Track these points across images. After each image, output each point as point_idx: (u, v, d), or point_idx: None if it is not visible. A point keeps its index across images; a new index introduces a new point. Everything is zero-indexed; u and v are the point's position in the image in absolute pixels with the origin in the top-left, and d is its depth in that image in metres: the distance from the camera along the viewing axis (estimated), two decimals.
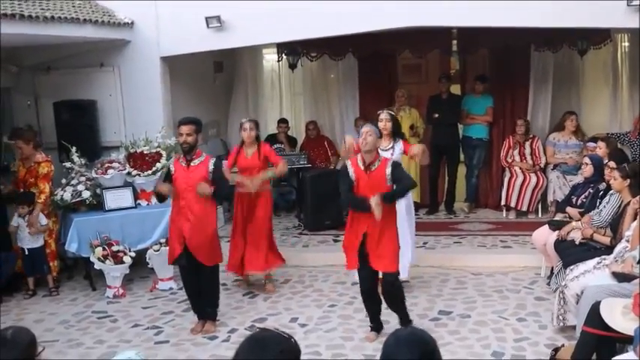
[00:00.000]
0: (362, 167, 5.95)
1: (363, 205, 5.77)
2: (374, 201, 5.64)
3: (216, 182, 6.44)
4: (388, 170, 5.91)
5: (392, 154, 6.96)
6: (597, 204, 7.00)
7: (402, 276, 7.20)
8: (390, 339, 2.77)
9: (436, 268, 8.08)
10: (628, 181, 6.44)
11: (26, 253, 7.75)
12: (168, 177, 6.57)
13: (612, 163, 7.02)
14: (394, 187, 5.95)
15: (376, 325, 6.33)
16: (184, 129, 6.39)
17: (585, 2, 7.47)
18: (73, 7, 8.00)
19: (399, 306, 6.26)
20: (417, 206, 8.62)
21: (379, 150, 6.39)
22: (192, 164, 6.43)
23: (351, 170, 6.00)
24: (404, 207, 7.06)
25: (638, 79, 10.08)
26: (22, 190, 7.95)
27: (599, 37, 9.47)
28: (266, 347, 2.60)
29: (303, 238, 9.43)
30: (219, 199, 6.66)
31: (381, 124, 6.82)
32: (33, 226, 7.68)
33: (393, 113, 7.36)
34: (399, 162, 6.26)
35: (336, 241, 9.11)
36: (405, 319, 6.27)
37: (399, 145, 7.05)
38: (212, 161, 6.52)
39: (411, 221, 7.37)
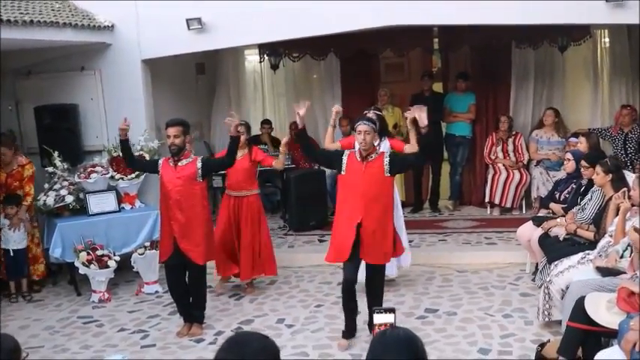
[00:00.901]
0: (358, 158, 5.89)
1: None
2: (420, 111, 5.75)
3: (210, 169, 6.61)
4: (386, 161, 5.85)
5: None
6: (579, 199, 7.04)
7: (391, 274, 7.23)
8: (377, 338, 2.77)
9: (421, 266, 8.10)
10: (610, 175, 6.47)
11: (11, 254, 7.75)
12: (151, 166, 6.66)
13: (584, 162, 7.06)
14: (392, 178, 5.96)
15: (350, 329, 6.19)
16: (172, 131, 6.37)
17: None
18: (52, 10, 7.93)
19: (378, 296, 6.17)
20: (402, 205, 8.59)
21: None
22: (179, 164, 6.42)
23: (345, 158, 5.94)
24: None
25: (618, 75, 10.16)
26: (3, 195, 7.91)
27: (579, 33, 9.50)
28: (245, 347, 2.61)
29: (288, 239, 9.43)
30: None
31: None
32: (17, 226, 7.72)
33: (379, 113, 7.23)
34: (395, 152, 6.15)
35: (321, 241, 9.12)
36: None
37: (386, 144, 7.00)
38: (200, 159, 6.50)
39: (400, 221, 7.33)
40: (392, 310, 3.37)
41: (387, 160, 5.87)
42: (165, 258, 6.53)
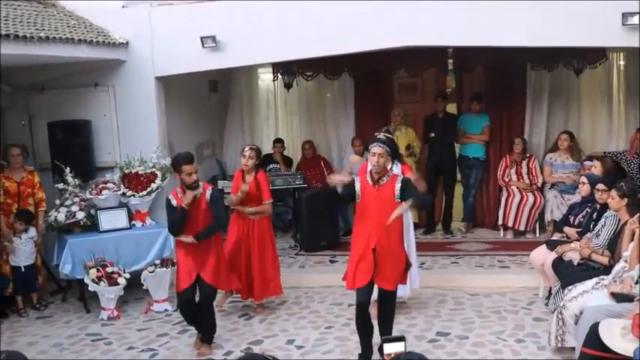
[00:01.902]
0: (370, 182, 5.87)
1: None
2: (401, 208, 5.69)
3: (212, 211, 6.45)
4: (397, 185, 5.81)
5: None
6: (594, 224, 6.95)
7: (404, 295, 7.17)
8: None
9: (433, 289, 8.02)
10: (625, 200, 6.40)
11: (22, 270, 7.78)
12: (171, 209, 6.45)
13: (601, 186, 7.00)
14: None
15: (366, 353, 6.13)
16: (191, 168, 6.32)
17: (580, 22, 7.47)
18: (68, 27, 7.97)
19: (389, 323, 6.15)
20: (415, 226, 8.56)
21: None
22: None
23: (357, 185, 5.92)
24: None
25: (633, 98, 10.09)
26: (17, 204, 8.00)
27: (594, 55, 9.46)
28: None
29: (299, 259, 9.37)
30: (213, 230, 6.57)
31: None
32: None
33: (390, 135, 7.06)
34: (408, 178, 6.13)
35: (332, 261, 9.06)
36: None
37: (398, 168, 6.94)
38: (209, 190, 6.51)
39: (410, 242, 7.27)
40: (402, 339, 3.32)
41: (398, 185, 5.83)
42: (184, 289, 6.48)
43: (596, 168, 7.87)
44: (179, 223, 6.36)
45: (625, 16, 7.22)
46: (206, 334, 6.63)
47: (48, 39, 7.38)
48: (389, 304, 6.13)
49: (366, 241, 5.88)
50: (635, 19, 7.19)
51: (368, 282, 5.90)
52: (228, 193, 7.90)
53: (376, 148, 5.81)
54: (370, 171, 5.89)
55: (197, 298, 6.60)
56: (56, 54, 7.57)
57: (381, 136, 6.67)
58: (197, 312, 6.56)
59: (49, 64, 8.20)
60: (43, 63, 8.03)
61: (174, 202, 6.36)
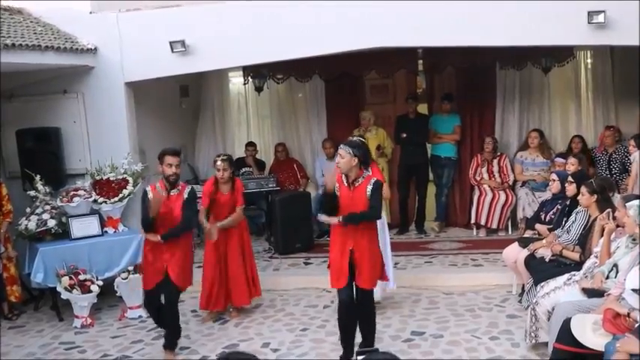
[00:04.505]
0: (345, 183, 5.95)
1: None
2: (333, 219, 5.88)
3: (183, 212, 6.41)
4: (369, 188, 5.86)
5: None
6: (565, 220, 7.03)
7: (375, 297, 7.17)
8: None
9: (408, 289, 8.04)
10: (595, 196, 6.47)
11: None
12: (145, 201, 6.42)
13: (571, 178, 7.12)
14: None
15: (347, 352, 6.14)
16: (173, 160, 6.37)
17: (547, 21, 7.55)
18: (35, 34, 7.89)
19: (372, 325, 6.20)
20: (388, 226, 8.57)
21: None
22: (171, 193, 6.44)
23: (337, 186, 6.00)
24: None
25: (601, 96, 10.22)
26: None
27: (562, 54, 9.57)
28: None
29: (273, 262, 9.35)
30: (180, 231, 6.47)
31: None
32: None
33: (363, 140, 6.94)
34: (380, 183, 6.10)
35: (306, 263, 9.07)
36: (371, 342, 6.15)
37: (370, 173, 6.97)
38: (187, 190, 6.52)
39: (386, 243, 7.30)
40: (375, 351, 3.28)
41: (370, 187, 5.88)
42: (153, 286, 6.48)
43: (573, 165, 7.90)
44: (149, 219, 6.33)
45: (591, 14, 7.31)
46: (167, 337, 6.56)
47: (14, 46, 7.31)
48: (368, 305, 6.15)
49: (344, 242, 5.97)
50: (600, 18, 7.29)
51: (348, 282, 5.97)
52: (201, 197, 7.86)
53: (340, 150, 5.94)
54: (342, 173, 5.94)
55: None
56: (23, 61, 7.49)
57: (342, 149, 6.71)
58: (162, 311, 6.55)
59: (17, 71, 8.10)
60: (10, 70, 7.94)
61: (150, 195, 6.35)
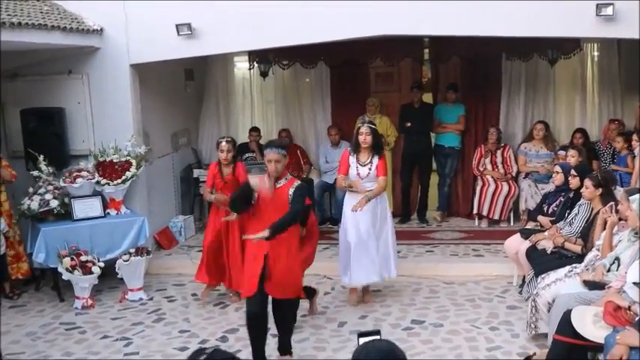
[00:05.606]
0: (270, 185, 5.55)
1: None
2: (259, 235, 5.38)
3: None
4: (291, 191, 5.55)
5: (369, 169, 6.91)
6: (568, 212, 7.02)
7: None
8: (360, 351, 2.73)
9: (408, 277, 8.05)
10: (600, 190, 6.47)
11: None
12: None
13: (574, 171, 7.12)
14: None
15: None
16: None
17: (555, 12, 7.51)
18: (41, 13, 7.86)
19: (288, 327, 6.03)
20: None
21: (358, 164, 6.60)
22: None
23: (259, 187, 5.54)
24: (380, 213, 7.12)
25: (606, 89, 10.19)
26: None
27: (569, 46, 9.54)
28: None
29: None
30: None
31: (360, 138, 6.76)
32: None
33: (374, 126, 7.09)
34: (303, 185, 5.76)
35: None
36: (288, 342, 6.03)
37: (375, 161, 6.97)
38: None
39: (389, 231, 7.28)
40: (377, 333, 3.26)
41: (292, 190, 5.57)
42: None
43: (574, 157, 7.91)
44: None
45: (599, 7, 7.27)
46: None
47: (20, 25, 7.27)
48: (288, 312, 5.95)
49: (259, 246, 5.57)
50: (609, 10, 7.24)
51: (258, 289, 5.59)
52: (204, 181, 7.87)
53: (271, 155, 5.53)
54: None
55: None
56: (29, 40, 7.45)
57: (365, 127, 6.73)
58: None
59: (22, 50, 8.07)
60: (15, 49, 7.92)
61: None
